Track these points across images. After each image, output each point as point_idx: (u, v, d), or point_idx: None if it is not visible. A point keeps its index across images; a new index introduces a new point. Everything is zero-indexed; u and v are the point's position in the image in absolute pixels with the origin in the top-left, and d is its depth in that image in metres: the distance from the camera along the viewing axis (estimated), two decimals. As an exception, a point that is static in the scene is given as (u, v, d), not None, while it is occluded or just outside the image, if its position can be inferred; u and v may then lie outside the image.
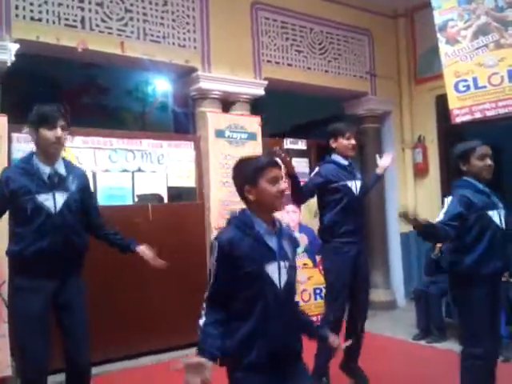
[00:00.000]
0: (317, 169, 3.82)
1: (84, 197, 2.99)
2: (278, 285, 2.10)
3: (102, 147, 4.85)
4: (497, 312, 3.06)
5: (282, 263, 2.12)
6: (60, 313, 2.88)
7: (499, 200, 3.09)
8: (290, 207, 5.69)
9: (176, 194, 5.28)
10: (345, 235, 3.68)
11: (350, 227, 3.69)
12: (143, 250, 3.24)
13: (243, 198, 2.18)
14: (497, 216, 2.99)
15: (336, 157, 3.80)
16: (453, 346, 4.60)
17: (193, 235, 5.19)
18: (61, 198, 2.81)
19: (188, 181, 5.33)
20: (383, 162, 4.16)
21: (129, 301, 4.70)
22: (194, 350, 4.86)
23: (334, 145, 3.81)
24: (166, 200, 5.20)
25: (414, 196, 6.88)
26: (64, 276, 2.86)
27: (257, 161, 2.18)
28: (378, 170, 4.15)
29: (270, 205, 2.14)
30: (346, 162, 3.78)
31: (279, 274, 2.11)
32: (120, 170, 4.94)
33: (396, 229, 6.96)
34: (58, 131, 2.78)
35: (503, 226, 3.01)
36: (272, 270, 2.09)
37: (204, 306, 2.16)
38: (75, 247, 2.89)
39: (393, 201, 6.99)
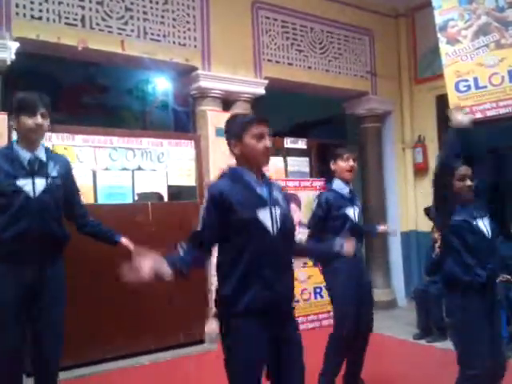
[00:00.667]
0: (317, 200, 3.82)
1: (67, 183, 2.98)
2: (271, 231, 2.15)
3: (103, 146, 4.85)
4: (494, 326, 2.96)
5: (273, 209, 2.17)
6: (35, 312, 2.82)
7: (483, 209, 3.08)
8: (292, 206, 5.68)
9: (176, 192, 5.28)
10: (344, 260, 3.66)
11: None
12: (127, 241, 3.22)
13: (232, 153, 2.26)
14: (482, 225, 2.99)
15: (336, 184, 3.83)
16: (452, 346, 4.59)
17: (193, 234, 5.18)
18: (40, 184, 2.79)
19: (188, 179, 5.33)
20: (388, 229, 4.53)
21: (128, 299, 4.69)
22: (193, 348, 4.90)
23: (333, 167, 3.86)
24: (166, 198, 5.19)
25: (414, 196, 6.88)
26: (41, 264, 2.80)
27: (243, 116, 2.27)
28: (380, 229, 4.32)
29: (254, 160, 2.20)
30: (346, 190, 3.79)
31: (271, 219, 2.16)
32: (120, 168, 4.94)
33: (397, 228, 6.95)
34: (38, 118, 2.78)
35: (489, 234, 2.99)
36: (264, 215, 2.14)
37: (182, 244, 2.25)
38: (53, 234, 2.84)
39: (393, 200, 7.00)
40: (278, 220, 2.17)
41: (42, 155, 2.86)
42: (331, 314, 4.02)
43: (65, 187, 2.95)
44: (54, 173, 2.87)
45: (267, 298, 2.12)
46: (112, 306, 4.60)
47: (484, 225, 2.98)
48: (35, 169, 2.80)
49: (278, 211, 2.18)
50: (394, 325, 5.83)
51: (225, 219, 2.13)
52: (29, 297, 2.78)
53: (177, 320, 4.89)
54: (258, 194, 2.18)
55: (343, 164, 3.78)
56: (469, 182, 3.03)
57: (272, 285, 2.12)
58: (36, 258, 2.78)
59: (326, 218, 3.72)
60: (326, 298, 5.54)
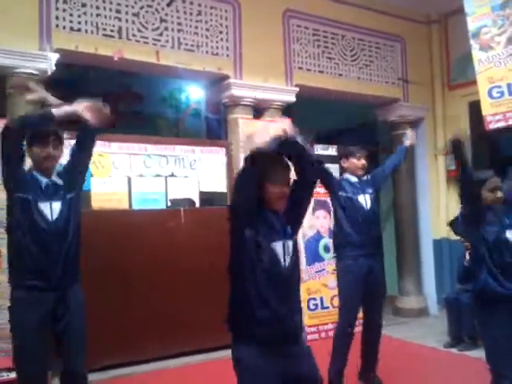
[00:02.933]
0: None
1: (69, 167, 3.06)
2: (282, 262, 2.20)
3: (137, 153, 4.99)
4: None
5: (286, 242, 2.23)
6: (59, 333, 2.88)
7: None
8: (321, 213, 5.72)
9: (208, 198, 5.38)
10: (356, 248, 3.83)
11: (362, 240, 3.84)
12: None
13: None
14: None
15: (346, 175, 4.02)
16: (484, 355, 4.54)
17: (223, 239, 5.22)
18: (56, 207, 2.88)
19: (219, 186, 5.43)
20: (411, 137, 4.41)
21: (160, 303, 4.80)
22: (223, 352, 4.96)
23: (345, 165, 4.05)
24: (197, 204, 5.29)
25: (446, 203, 6.80)
26: (62, 286, 2.86)
27: (265, 159, 2.24)
28: (407, 143, 4.35)
29: (270, 203, 2.26)
30: (355, 179, 3.97)
31: (284, 252, 2.22)
32: (154, 174, 5.07)
33: (428, 235, 6.91)
34: (50, 149, 2.88)
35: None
36: (279, 248, 2.21)
37: None
38: (68, 255, 2.90)
39: (425, 207, 6.95)
40: (290, 252, 2.24)
41: (58, 180, 2.96)
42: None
43: (70, 168, 3.05)
44: (65, 192, 2.95)
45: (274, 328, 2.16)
46: (144, 309, 4.72)
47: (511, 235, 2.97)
48: (52, 193, 2.90)
49: (289, 244, 2.25)
50: (425, 333, 5.78)
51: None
52: (50, 318, 2.84)
53: (210, 324, 4.96)
54: (274, 226, 2.25)
55: (356, 161, 3.96)
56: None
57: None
58: (55, 281, 2.84)
59: (336, 205, 3.93)
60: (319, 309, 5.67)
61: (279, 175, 2.24)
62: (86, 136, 3.09)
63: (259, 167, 2.18)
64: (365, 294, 3.87)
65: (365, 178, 4.05)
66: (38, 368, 2.82)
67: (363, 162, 3.97)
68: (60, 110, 2.83)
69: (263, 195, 2.24)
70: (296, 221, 2.36)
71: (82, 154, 3.09)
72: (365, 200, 3.92)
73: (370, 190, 3.99)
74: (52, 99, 3.05)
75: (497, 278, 2.89)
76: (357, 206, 3.88)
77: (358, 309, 3.96)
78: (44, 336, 2.82)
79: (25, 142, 2.87)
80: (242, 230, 2.21)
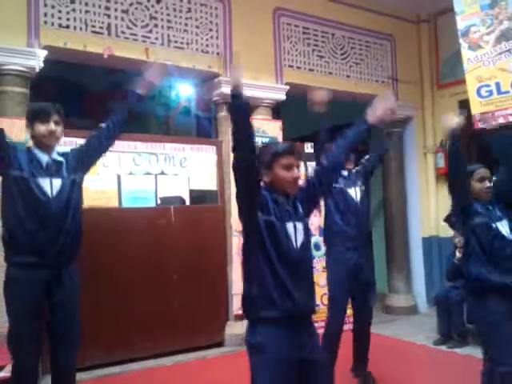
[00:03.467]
0: None
1: (81, 154, 3.07)
2: (294, 243, 2.24)
3: (127, 151, 4.96)
4: None
5: (297, 224, 2.27)
6: (51, 312, 2.88)
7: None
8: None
9: (198, 196, 5.36)
10: (346, 240, 3.90)
11: (351, 232, 3.90)
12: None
13: (262, 181, 2.32)
14: (501, 227, 3.00)
15: None
16: (473, 352, 4.57)
17: (214, 237, 5.26)
18: (57, 184, 2.88)
19: (210, 184, 5.41)
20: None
21: (150, 301, 4.78)
22: (214, 350, 4.98)
23: None
24: (188, 202, 5.28)
25: (435, 201, 6.84)
26: (57, 265, 2.85)
27: (273, 147, 2.34)
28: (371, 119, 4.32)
29: (283, 188, 2.29)
30: (345, 173, 4.03)
31: (295, 233, 2.25)
32: (144, 172, 5.04)
33: (418, 233, 6.94)
34: (52, 125, 2.89)
35: (510, 236, 3.00)
36: (290, 228, 2.24)
37: None
38: (69, 233, 2.90)
39: (414, 205, 6.98)
40: (301, 234, 2.28)
41: (59, 157, 2.97)
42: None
43: (81, 155, 3.06)
44: (68, 172, 2.96)
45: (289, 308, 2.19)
46: (134, 307, 4.70)
47: (503, 226, 2.99)
48: (52, 170, 2.90)
49: (300, 226, 2.28)
50: (414, 330, 5.82)
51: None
52: (43, 298, 2.84)
53: (200, 322, 4.97)
54: (285, 208, 2.28)
55: None
56: (488, 184, 3.05)
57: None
58: (52, 258, 2.83)
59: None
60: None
61: (290, 161, 2.27)
62: (118, 126, 3.20)
63: (269, 152, 2.26)
64: (355, 287, 3.92)
65: (354, 170, 4.10)
66: (31, 352, 2.81)
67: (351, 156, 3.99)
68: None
69: (274, 179, 2.27)
70: (310, 206, 2.40)
71: (104, 143, 3.14)
72: (355, 192, 3.99)
73: (360, 183, 4.06)
74: None
75: (489, 270, 2.92)
76: (348, 198, 3.94)
77: (347, 302, 4.00)
78: (38, 318, 2.83)
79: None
80: (253, 211, 2.21)
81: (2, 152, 2.81)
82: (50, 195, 2.84)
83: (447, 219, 3.57)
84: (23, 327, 2.79)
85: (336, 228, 3.94)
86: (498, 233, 2.97)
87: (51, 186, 2.86)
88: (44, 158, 2.90)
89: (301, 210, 2.33)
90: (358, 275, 3.91)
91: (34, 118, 2.90)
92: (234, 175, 2.20)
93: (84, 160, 3.07)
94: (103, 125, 3.17)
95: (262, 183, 2.30)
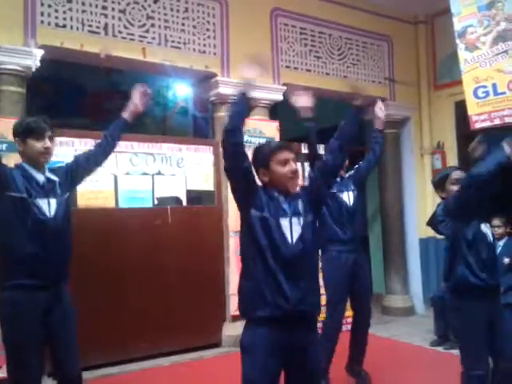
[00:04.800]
0: None
1: (72, 172, 3.00)
2: (289, 238, 2.22)
3: (123, 151, 4.94)
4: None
5: (293, 219, 2.25)
6: (51, 329, 2.80)
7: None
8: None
9: (195, 197, 5.36)
10: (340, 245, 3.89)
11: (344, 237, 3.89)
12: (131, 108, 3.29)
13: (261, 181, 2.33)
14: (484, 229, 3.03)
15: None
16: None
17: (211, 238, 5.25)
18: (54, 204, 2.82)
19: (207, 184, 5.41)
20: (380, 112, 4.26)
21: (147, 302, 4.77)
22: (211, 351, 4.95)
23: None
24: (184, 203, 5.27)
25: (432, 202, 6.81)
26: (56, 285, 2.81)
27: (268, 145, 2.37)
28: (378, 124, 4.28)
29: (283, 185, 2.28)
30: (338, 178, 3.94)
31: (291, 228, 2.23)
32: (140, 173, 5.03)
33: (415, 234, 6.94)
34: (47, 142, 2.81)
35: (490, 239, 3.03)
36: (284, 223, 2.23)
37: None
38: (64, 254, 2.86)
39: (411, 206, 6.98)
40: (298, 228, 2.25)
41: (53, 176, 2.89)
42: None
43: (73, 173, 3.00)
44: (61, 190, 2.89)
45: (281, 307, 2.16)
46: (131, 307, 4.69)
47: (486, 229, 3.02)
48: (48, 189, 2.83)
49: (296, 221, 2.26)
50: (411, 331, 5.82)
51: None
52: (43, 318, 2.76)
53: (198, 322, 4.96)
54: (281, 205, 2.26)
55: None
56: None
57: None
58: (51, 279, 2.78)
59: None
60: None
61: (285, 156, 2.27)
62: (111, 143, 3.15)
63: (264, 151, 2.29)
64: (352, 289, 3.90)
65: (347, 174, 4.10)
66: (34, 375, 2.73)
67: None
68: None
69: (273, 177, 2.27)
70: (316, 201, 2.39)
71: (96, 159, 3.08)
72: (348, 197, 3.97)
73: (353, 187, 4.04)
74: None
75: (473, 271, 2.92)
76: (340, 202, 3.93)
77: (345, 303, 3.99)
78: (38, 340, 2.74)
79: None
80: (248, 209, 2.22)
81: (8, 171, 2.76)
82: (48, 215, 2.78)
83: (430, 222, 3.57)
84: (26, 354, 2.70)
85: (329, 233, 3.91)
86: (483, 235, 2.99)
87: (49, 206, 2.80)
88: (40, 177, 2.82)
89: (301, 206, 2.30)
90: (355, 278, 3.89)
91: (26, 134, 2.79)
92: (227, 171, 2.24)
93: (72, 178, 3.01)
94: (99, 142, 3.15)
95: (260, 183, 2.30)
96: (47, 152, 2.83)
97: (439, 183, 3.25)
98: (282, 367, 2.21)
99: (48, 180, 2.85)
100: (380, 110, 4.22)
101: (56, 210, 2.82)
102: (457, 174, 3.13)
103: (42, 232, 2.74)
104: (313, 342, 2.27)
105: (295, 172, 2.29)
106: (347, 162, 4.02)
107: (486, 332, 2.90)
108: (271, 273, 2.15)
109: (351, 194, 3.99)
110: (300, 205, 2.30)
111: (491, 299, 2.97)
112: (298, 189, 2.37)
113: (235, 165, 2.20)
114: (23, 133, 2.80)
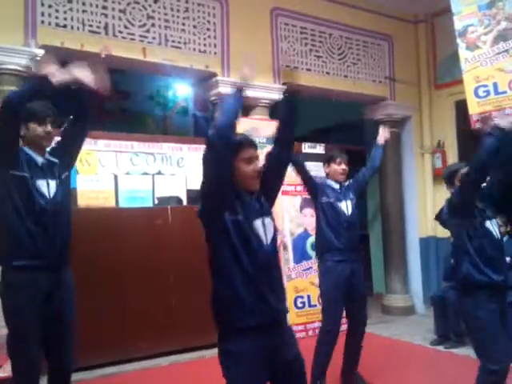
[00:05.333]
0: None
1: (66, 145, 3.00)
2: (264, 239, 2.15)
3: (124, 150, 4.96)
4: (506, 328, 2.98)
5: (266, 219, 2.19)
6: (50, 315, 2.82)
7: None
8: (309, 211, 5.71)
9: (195, 196, 5.34)
10: (337, 253, 3.85)
11: (343, 245, 3.85)
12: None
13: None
14: (491, 226, 3.00)
15: (328, 181, 4.02)
16: (471, 352, 4.55)
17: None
18: (53, 185, 2.85)
19: (207, 184, 5.39)
20: (383, 133, 4.36)
21: (147, 301, 4.77)
22: (211, 350, 4.94)
23: (327, 170, 4.06)
24: (185, 202, 5.27)
25: (432, 201, 6.84)
26: (57, 267, 2.82)
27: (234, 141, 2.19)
28: (380, 141, 4.32)
29: (244, 183, 2.19)
30: (337, 186, 3.99)
31: (264, 229, 2.16)
32: (141, 172, 5.04)
33: (415, 233, 6.94)
34: (48, 126, 2.85)
35: (498, 236, 3.01)
36: (258, 224, 2.15)
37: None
38: (65, 234, 2.89)
39: (412, 206, 6.98)
40: (270, 229, 2.20)
41: (51, 157, 2.92)
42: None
43: (64, 147, 2.99)
44: (60, 171, 2.92)
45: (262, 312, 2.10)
46: (131, 307, 4.68)
47: (492, 226, 3.00)
48: (48, 171, 2.86)
49: (267, 221, 2.20)
50: (411, 330, 5.82)
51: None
52: (43, 303, 2.78)
53: (197, 322, 4.94)
54: (252, 204, 2.19)
55: (336, 167, 3.97)
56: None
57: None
58: (52, 260, 2.80)
59: (317, 208, 3.98)
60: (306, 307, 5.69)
61: (250, 154, 2.19)
62: (85, 109, 3.05)
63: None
64: (348, 298, 3.86)
65: (346, 183, 4.07)
66: (35, 353, 2.76)
67: (343, 167, 3.97)
68: (58, 77, 2.70)
69: (237, 175, 2.16)
70: (270, 198, 2.31)
71: (79, 132, 3.04)
72: (346, 206, 3.93)
73: (352, 196, 4.01)
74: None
75: (478, 267, 2.91)
76: (338, 211, 3.89)
77: (341, 311, 3.94)
78: (39, 322, 2.76)
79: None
80: (220, 214, 2.09)
81: (17, 148, 2.78)
82: (47, 197, 2.81)
83: (438, 217, 3.56)
84: (27, 330, 2.73)
85: (326, 242, 3.89)
86: (488, 232, 2.97)
87: (48, 187, 2.83)
88: (39, 159, 2.85)
89: (266, 203, 2.24)
90: (350, 287, 3.85)
91: (28, 118, 2.82)
92: (204, 167, 2.09)
93: (68, 151, 3.01)
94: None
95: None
96: (48, 136, 2.87)
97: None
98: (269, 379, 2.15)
99: (48, 162, 2.88)
100: (384, 132, 4.35)
101: (55, 192, 2.85)
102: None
103: (41, 213, 2.76)
104: (288, 339, 2.22)
105: (258, 172, 2.20)
106: (346, 168, 4.01)
107: (499, 324, 2.89)
108: (252, 281, 2.07)
109: (349, 202, 3.96)
110: (265, 202, 2.24)
111: (499, 296, 2.94)
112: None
113: (220, 174, 2.07)
114: (25, 117, 2.82)
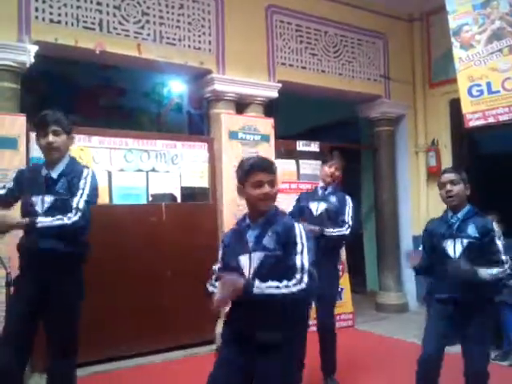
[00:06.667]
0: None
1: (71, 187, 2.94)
2: (248, 274, 2.23)
3: (118, 147, 4.94)
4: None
5: (253, 254, 2.24)
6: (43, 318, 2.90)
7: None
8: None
9: (189, 194, 5.35)
10: None
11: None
12: None
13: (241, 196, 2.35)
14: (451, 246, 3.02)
15: (319, 184, 4.20)
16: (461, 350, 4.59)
17: (205, 235, 5.24)
18: (48, 201, 2.82)
19: (201, 181, 5.40)
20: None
21: (141, 299, 4.77)
22: (204, 348, 4.96)
23: (319, 170, 4.24)
24: (179, 200, 5.26)
25: (426, 199, 6.86)
26: (43, 282, 2.82)
27: (244, 164, 2.30)
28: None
29: (253, 206, 2.30)
30: (321, 189, 4.12)
31: (250, 264, 2.24)
32: (135, 169, 5.02)
33: (408, 231, 6.96)
34: (49, 137, 2.80)
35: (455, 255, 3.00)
36: (244, 260, 2.26)
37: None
38: (53, 250, 2.82)
39: (405, 204, 7.00)
40: (257, 264, 2.23)
41: (55, 173, 2.87)
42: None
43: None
44: (62, 189, 2.86)
45: (238, 332, 2.31)
46: (124, 304, 4.68)
47: (451, 245, 3.02)
48: (45, 186, 2.83)
49: (260, 255, 2.22)
50: (405, 328, 5.83)
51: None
52: (38, 301, 2.85)
53: (192, 320, 4.95)
54: (244, 240, 2.28)
55: (326, 169, 4.10)
56: (448, 187, 3.03)
57: (240, 324, 2.30)
58: (37, 274, 2.82)
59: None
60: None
61: (259, 178, 2.24)
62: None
63: (241, 169, 2.28)
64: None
65: (332, 190, 4.08)
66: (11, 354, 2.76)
67: (332, 170, 4.06)
68: None
69: (246, 198, 2.30)
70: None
71: None
72: (316, 207, 4.03)
73: (331, 201, 4.02)
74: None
75: (438, 283, 3.09)
76: (306, 212, 4.02)
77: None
78: (29, 320, 2.83)
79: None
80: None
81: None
82: (39, 211, 2.79)
83: None
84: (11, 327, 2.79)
85: None
86: (443, 250, 3.04)
87: (42, 202, 2.81)
88: (44, 171, 2.87)
89: (270, 238, 2.23)
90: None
91: (37, 132, 2.85)
92: None
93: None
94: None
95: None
96: (50, 147, 2.82)
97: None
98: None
99: (49, 177, 2.85)
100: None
101: (48, 207, 2.81)
102: (445, 178, 3.08)
103: (31, 227, 2.76)
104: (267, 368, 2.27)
105: (267, 194, 2.23)
106: (334, 172, 4.08)
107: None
108: (232, 307, 2.34)
109: (323, 204, 4.01)
110: (270, 237, 2.24)
111: (460, 313, 3.02)
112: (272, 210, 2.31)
113: None
114: (35, 130, 2.88)
